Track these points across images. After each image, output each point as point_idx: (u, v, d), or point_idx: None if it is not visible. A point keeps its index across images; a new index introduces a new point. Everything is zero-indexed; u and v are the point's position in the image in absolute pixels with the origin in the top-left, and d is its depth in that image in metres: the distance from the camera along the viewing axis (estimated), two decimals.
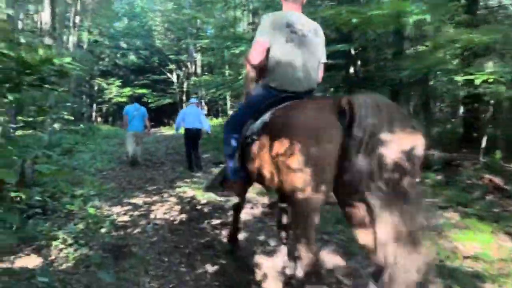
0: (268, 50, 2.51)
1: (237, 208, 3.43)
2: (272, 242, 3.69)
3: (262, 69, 2.61)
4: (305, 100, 2.28)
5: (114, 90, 23.37)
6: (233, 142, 2.65)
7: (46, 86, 1.82)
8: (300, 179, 1.90)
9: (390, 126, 1.67)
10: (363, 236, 1.98)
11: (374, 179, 1.65)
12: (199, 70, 22.50)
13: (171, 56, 25.09)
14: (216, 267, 3.14)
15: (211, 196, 5.55)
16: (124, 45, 28.58)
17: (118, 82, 23.82)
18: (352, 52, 11.67)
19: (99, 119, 26.20)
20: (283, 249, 3.02)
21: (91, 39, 21.06)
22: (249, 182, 2.81)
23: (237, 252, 3.49)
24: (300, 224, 1.98)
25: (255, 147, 2.37)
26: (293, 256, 2.71)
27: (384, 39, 11.00)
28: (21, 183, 4.63)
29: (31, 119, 5.43)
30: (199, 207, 5.21)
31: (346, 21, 6.46)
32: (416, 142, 1.68)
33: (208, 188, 3.10)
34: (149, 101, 23.44)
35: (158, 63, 27.24)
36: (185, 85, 24.96)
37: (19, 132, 5.33)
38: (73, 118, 8.70)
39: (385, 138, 1.66)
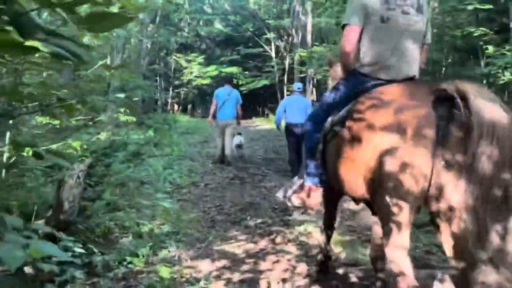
0: (360, 33, 2.71)
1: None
2: None
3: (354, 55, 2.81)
4: (395, 85, 2.49)
5: (195, 69, 23.54)
6: (315, 138, 2.92)
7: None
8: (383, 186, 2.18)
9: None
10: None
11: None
12: (308, 39, 21.10)
13: (269, 21, 24.40)
14: None
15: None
16: (208, 10, 28.83)
17: (200, 59, 23.94)
18: None
19: (175, 107, 26.83)
20: None
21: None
22: (334, 191, 3.05)
23: None
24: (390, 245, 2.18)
25: (335, 142, 2.67)
26: None
27: None
28: (57, 217, 3.96)
29: (56, 122, 4.54)
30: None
31: None
32: None
33: (284, 197, 3.30)
34: (240, 83, 23.04)
35: (252, 31, 26.97)
36: (287, 60, 24.03)
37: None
38: (134, 119, 8.21)
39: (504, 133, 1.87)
